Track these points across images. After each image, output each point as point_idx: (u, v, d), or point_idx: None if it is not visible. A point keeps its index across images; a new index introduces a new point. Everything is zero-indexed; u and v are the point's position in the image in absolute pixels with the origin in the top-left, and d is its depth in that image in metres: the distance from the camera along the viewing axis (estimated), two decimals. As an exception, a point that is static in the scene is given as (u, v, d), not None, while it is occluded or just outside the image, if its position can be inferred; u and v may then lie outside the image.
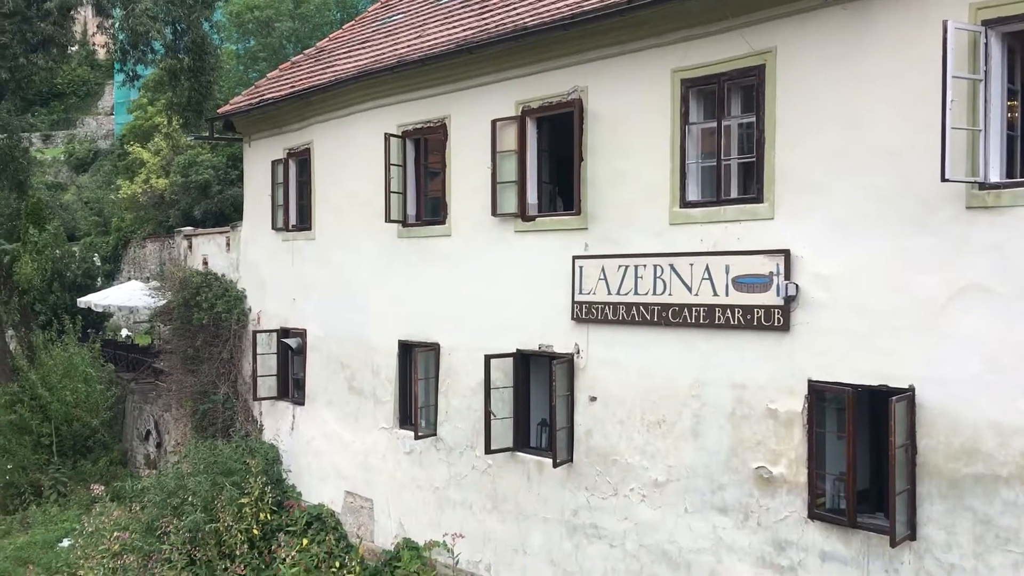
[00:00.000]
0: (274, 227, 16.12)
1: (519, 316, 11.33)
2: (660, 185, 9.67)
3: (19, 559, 16.83)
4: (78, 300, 27.08)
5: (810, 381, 8.47)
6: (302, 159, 15.49)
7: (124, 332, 28.86)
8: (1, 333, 23.08)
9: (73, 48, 28.27)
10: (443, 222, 12.57)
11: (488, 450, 11.31)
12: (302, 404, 15.53)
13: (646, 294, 9.79)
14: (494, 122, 11.34)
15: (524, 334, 11.26)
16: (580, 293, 10.49)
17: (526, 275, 11.25)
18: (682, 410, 9.52)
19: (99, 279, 31.97)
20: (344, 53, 15.10)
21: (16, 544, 17.74)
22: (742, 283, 8.94)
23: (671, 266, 9.56)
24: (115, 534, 15.21)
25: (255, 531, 14.28)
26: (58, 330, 22.91)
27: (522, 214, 11.26)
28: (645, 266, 9.80)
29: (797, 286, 8.53)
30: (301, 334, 15.58)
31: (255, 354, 16.08)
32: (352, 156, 14.11)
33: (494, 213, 11.51)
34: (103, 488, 17.59)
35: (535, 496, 11.13)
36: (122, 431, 22.84)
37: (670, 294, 9.57)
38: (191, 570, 14.03)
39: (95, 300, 26.25)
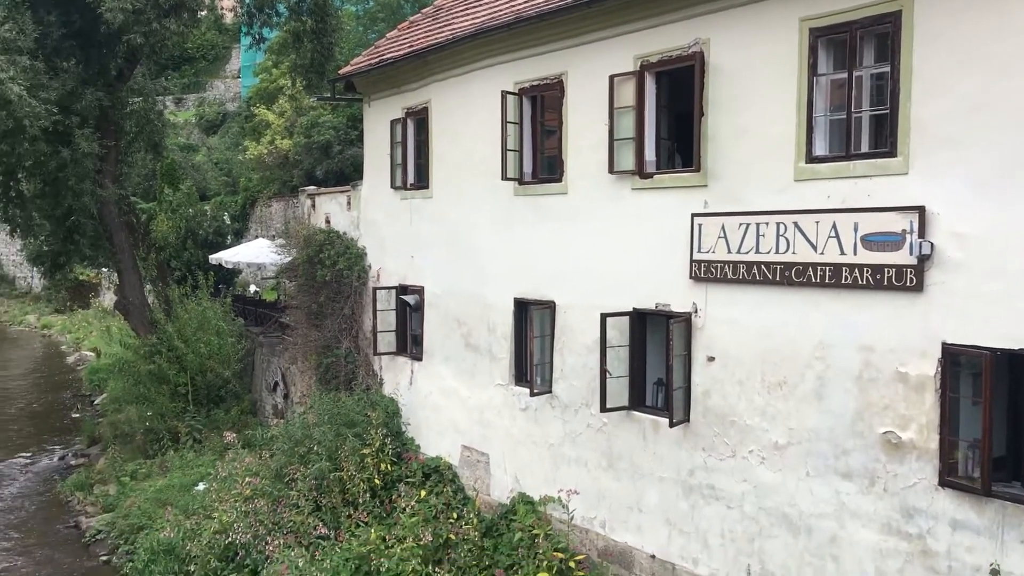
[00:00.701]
0: (392, 186, 16.41)
1: (635, 275, 11.22)
2: (785, 140, 9.34)
3: (159, 501, 17.91)
4: (210, 257, 28.34)
5: (944, 344, 8.08)
6: (420, 118, 15.66)
7: (252, 288, 30.05)
8: (140, 288, 24.35)
9: (202, 13, 29.21)
10: (559, 180, 12.50)
11: (603, 408, 11.32)
12: (420, 360, 15.87)
13: (768, 252, 9.52)
14: (612, 78, 11.16)
15: (640, 293, 11.15)
16: (699, 251, 10.29)
17: (643, 233, 11.11)
18: (805, 372, 9.27)
19: (229, 237, 33.35)
20: (461, 11, 15.11)
21: (156, 487, 18.86)
22: (872, 241, 8.57)
23: (795, 224, 9.25)
24: (246, 479, 16.06)
25: (376, 481, 14.78)
26: (192, 285, 24.04)
27: (640, 171, 11.09)
28: (767, 224, 9.52)
29: (932, 245, 8.11)
30: (419, 291, 15.88)
31: (375, 310, 16.51)
32: (469, 114, 14.18)
33: (611, 171, 11.38)
34: (235, 436, 18.53)
35: (651, 455, 11.09)
36: (251, 382, 23.89)
37: (794, 252, 9.27)
38: (317, 515, 14.67)
39: (225, 257, 27.42)
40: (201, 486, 17.84)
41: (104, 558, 17.54)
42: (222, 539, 14.94)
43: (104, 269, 34.01)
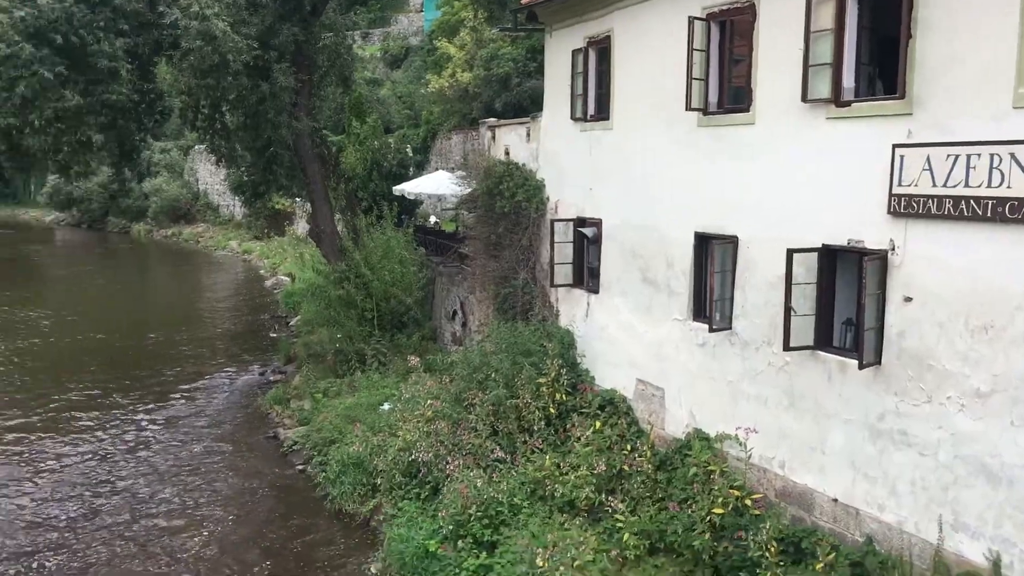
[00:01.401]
0: (572, 117, 16.31)
1: (826, 209, 10.69)
2: (1003, 64, 8.54)
3: (348, 417, 19.00)
4: (393, 188, 29.33)
5: None
6: (602, 47, 15.41)
7: (432, 219, 30.90)
8: (331, 217, 25.58)
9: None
10: (747, 109, 12.02)
11: (787, 347, 10.97)
12: (596, 292, 15.90)
13: (979, 186, 8.81)
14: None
15: (831, 228, 10.63)
16: (899, 185, 9.65)
17: (836, 165, 10.53)
18: (1015, 315, 8.59)
19: (411, 169, 34.34)
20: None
21: (345, 404, 19.99)
22: (1103, 175, 7.76)
23: (1011, 155, 8.49)
24: (428, 402, 16.76)
25: (551, 410, 15.06)
26: (377, 215, 25.01)
27: (836, 99, 10.48)
28: (979, 155, 8.79)
29: None
30: (597, 224, 15.83)
31: (552, 242, 16.61)
32: (653, 43, 13.81)
33: (804, 99, 10.80)
34: (418, 360, 19.31)
35: (836, 396, 10.69)
36: (432, 310, 24.76)
37: (1009, 186, 8.53)
38: (493, 439, 15.16)
39: (408, 188, 28.31)
40: (386, 406, 18.75)
41: (300, 467, 18.88)
42: (406, 456, 15.73)
43: (298, 199, 35.85)
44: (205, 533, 15.65)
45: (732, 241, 12.27)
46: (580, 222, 16.28)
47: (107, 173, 38.14)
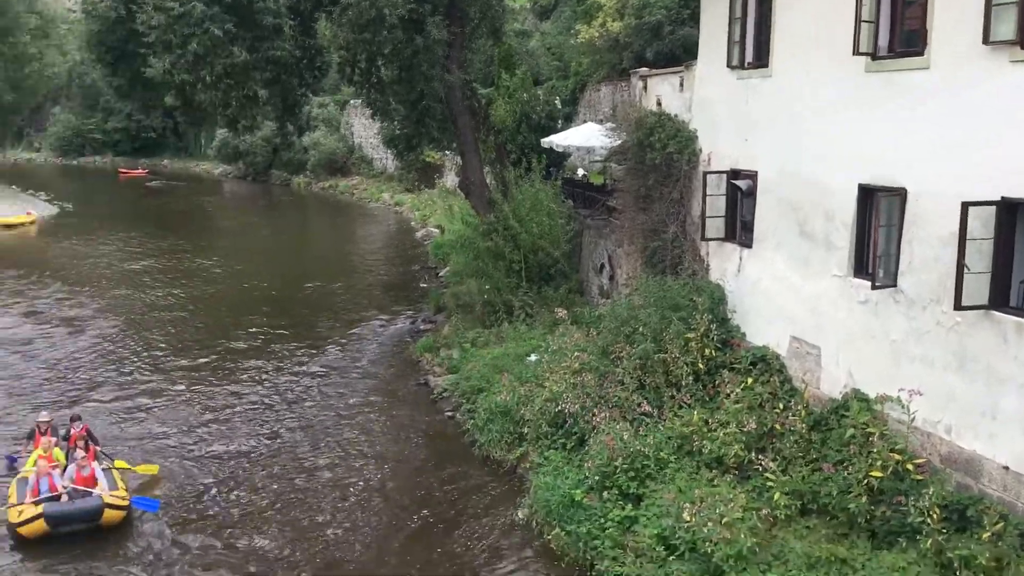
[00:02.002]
0: (729, 65, 15.76)
1: (1007, 160, 9.95)
2: None
3: (495, 367, 19.34)
4: (541, 140, 29.34)
5: None
6: (762, -9, 14.77)
7: (580, 171, 30.76)
8: (480, 169, 25.87)
9: None
10: (920, 53, 11.28)
11: (958, 306, 10.36)
12: (749, 246, 15.46)
13: None
14: (996, -71, 9.71)
15: (1012, 180, 9.90)
16: (1094, 132, 8.86)
17: (1019, 112, 9.75)
18: None
19: (559, 121, 34.23)
20: None
21: (493, 354, 20.36)
22: None
23: None
24: (575, 354, 16.84)
25: (700, 365, 14.84)
26: (525, 168, 25.10)
27: (1021, 41, 9.68)
28: None
29: None
30: (752, 176, 15.33)
31: (704, 195, 16.23)
32: (818, -17, 13.12)
33: (985, 41, 10.05)
34: (566, 312, 19.40)
35: (1011, 359, 10.03)
36: (579, 263, 24.76)
37: None
38: (640, 393, 15.10)
39: (556, 140, 28.24)
40: (533, 357, 18.98)
41: (449, 414, 19.43)
42: (552, 407, 15.91)
43: (448, 152, 36.48)
44: (363, 479, 16.24)
45: (900, 193, 11.62)
46: (734, 174, 15.82)
47: (271, 127, 39.93)
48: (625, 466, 13.43)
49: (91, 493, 13.92)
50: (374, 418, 19.34)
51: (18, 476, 14.94)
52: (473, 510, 15.09)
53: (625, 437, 13.80)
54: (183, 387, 20.84)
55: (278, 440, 17.93)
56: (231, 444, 17.55)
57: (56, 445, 15.49)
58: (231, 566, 13.03)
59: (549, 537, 13.65)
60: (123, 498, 14.09)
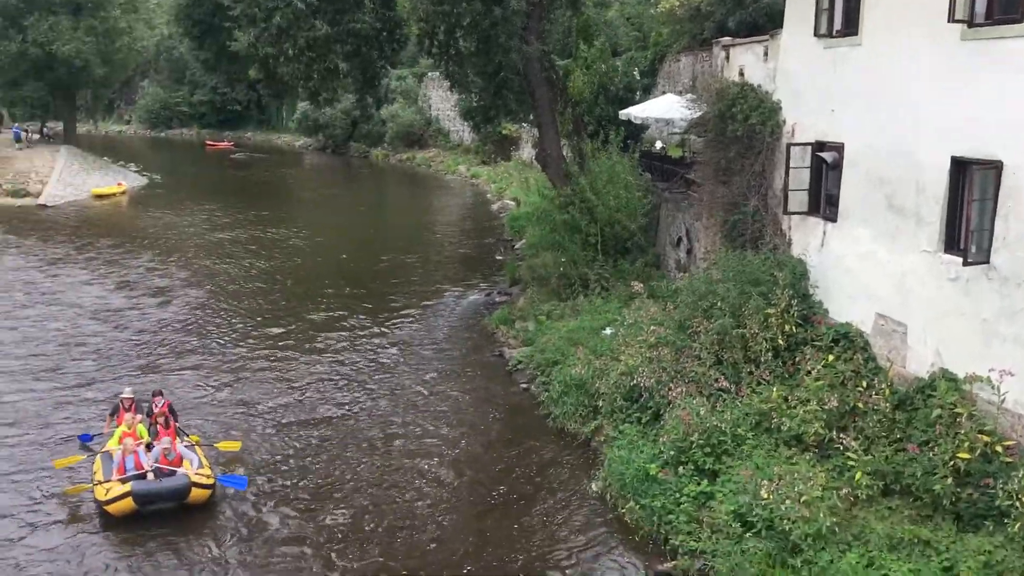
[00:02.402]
0: (816, 33, 15.30)
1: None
2: None
3: (570, 340, 19.35)
4: (619, 112, 29.00)
5: None
6: (852, -44, 14.26)
7: (658, 144, 30.32)
8: (557, 141, 25.73)
9: None
10: (1020, 20, 10.81)
11: (1055, 284, 9.94)
12: (834, 221, 15.07)
13: None
14: None
15: (1120, 152, 9.41)
16: None
17: None
18: None
19: (637, 93, 33.76)
20: None
21: (568, 327, 20.35)
22: None
23: None
24: (651, 328, 16.73)
25: (780, 341, 14.58)
26: (603, 140, 24.86)
27: None
28: None
29: None
30: (838, 148, 14.91)
31: (788, 167, 15.85)
32: (912, -53, 12.61)
33: (1094, 4, 9.52)
34: (642, 286, 19.25)
35: (1113, 342, 9.60)
36: (656, 236, 24.52)
37: None
38: (718, 368, 14.94)
39: (634, 112, 27.87)
40: (608, 330, 18.91)
41: (523, 386, 19.53)
42: (627, 380, 15.86)
43: (524, 124, 36.34)
44: (439, 452, 16.39)
45: (995, 166, 11.16)
46: (819, 146, 15.40)
47: (350, 100, 40.43)
48: (701, 442, 13.33)
49: (177, 472, 14.03)
50: (449, 390, 19.54)
51: (102, 451, 15.07)
52: (547, 482, 15.17)
53: (701, 412, 13.68)
54: (264, 359, 21.24)
55: (356, 413, 18.13)
56: (310, 417, 17.78)
57: (139, 421, 15.61)
58: (312, 541, 13.19)
59: (623, 510, 13.67)
60: (208, 476, 14.14)
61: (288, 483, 15.06)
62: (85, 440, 16.09)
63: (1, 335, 22.37)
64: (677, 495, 12.93)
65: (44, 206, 42.39)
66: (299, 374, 20.23)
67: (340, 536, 13.36)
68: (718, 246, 18.08)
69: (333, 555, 12.80)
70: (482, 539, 13.31)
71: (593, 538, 13.35)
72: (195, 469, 14.21)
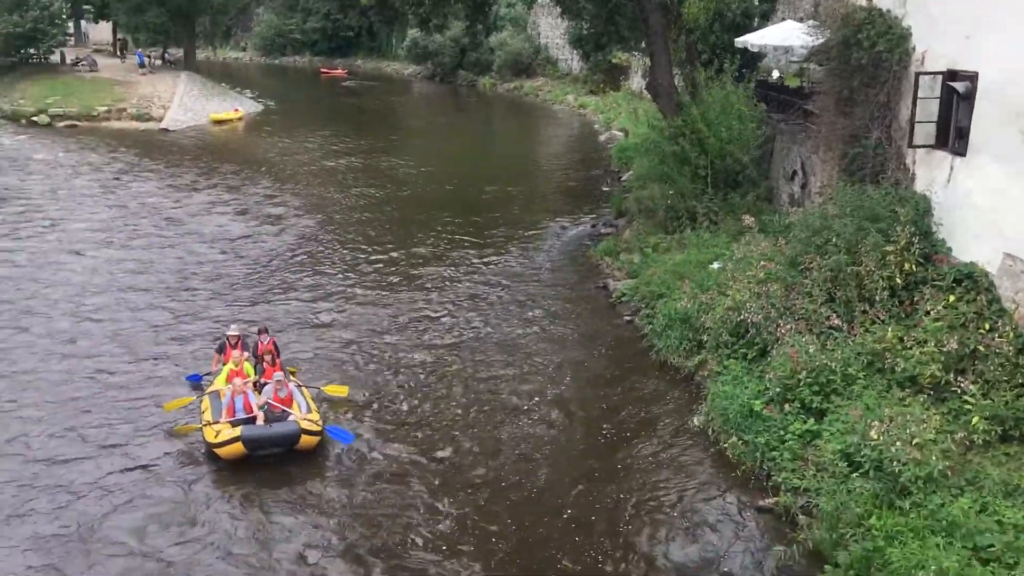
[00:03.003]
0: (954, -47, 14.34)
1: None
2: None
3: (676, 273, 19.10)
4: (735, 40, 27.96)
5: None
6: None
7: (775, 73, 29.17)
8: (669, 70, 25.05)
9: None
10: None
11: None
12: (963, 155, 14.28)
13: None
14: None
15: None
16: None
17: None
18: None
19: (755, 19, 32.45)
20: None
21: (674, 260, 20.08)
22: None
23: None
24: (761, 263, 16.36)
25: (897, 280, 14.04)
26: (717, 69, 24.07)
27: None
28: None
29: None
30: (971, 77, 14.03)
31: (915, 98, 15.04)
32: None
33: None
34: (753, 220, 18.77)
35: None
36: (769, 169, 23.79)
37: None
38: (830, 306, 14.53)
39: (751, 40, 26.83)
40: (716, 264, 18.58)
41: (627, 318, 19.46)
42: (734, 316, 15.60)
43: (635, 52, 35.52)
44: (541, 384, 16.45)
45: None
46: (950, 75, 14.53)
47: (460, 27, 40.21)
48: (809, 380, 13.08)
49: (287, 416, 13.85)
50: (553, 322, 19.61)
51: (209, 390, 15.01)
52: (649, 416, 15.19)
53: (811, 350, 13.39)
54: (369, 292, 21.24)
55: (459, 348, 18.10)
56: (413, 352, 17.74)
57: (246, 359, 15.42)
58: (417, 482, 13.05)
59: (725, 446, 13.61)
60: (317, 422, 13.88)
61: (392, 420, 14.98)
62: (194, 380, 16.08)
63: (123, 262, 23.06)
64: (782, 432, 12.78)
65: (166, 130, 43.97)
66: (404, 307, 20.27)
67: (445, 476, 13.28)
68: (835, 180, 17.42)
69: (439, 496, 12.75)
70: (587, 476, 13.31)
71: (694, 473, 13.34)
72: (304, 413, 14.00)
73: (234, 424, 13.57)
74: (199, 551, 11.44)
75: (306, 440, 13.55)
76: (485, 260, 24.01)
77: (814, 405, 12.90)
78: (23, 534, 11.67)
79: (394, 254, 24.41)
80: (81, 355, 17.28)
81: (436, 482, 13.14)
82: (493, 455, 13.96)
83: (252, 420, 13.73)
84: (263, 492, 12.87)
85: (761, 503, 12.26)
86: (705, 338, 16.21)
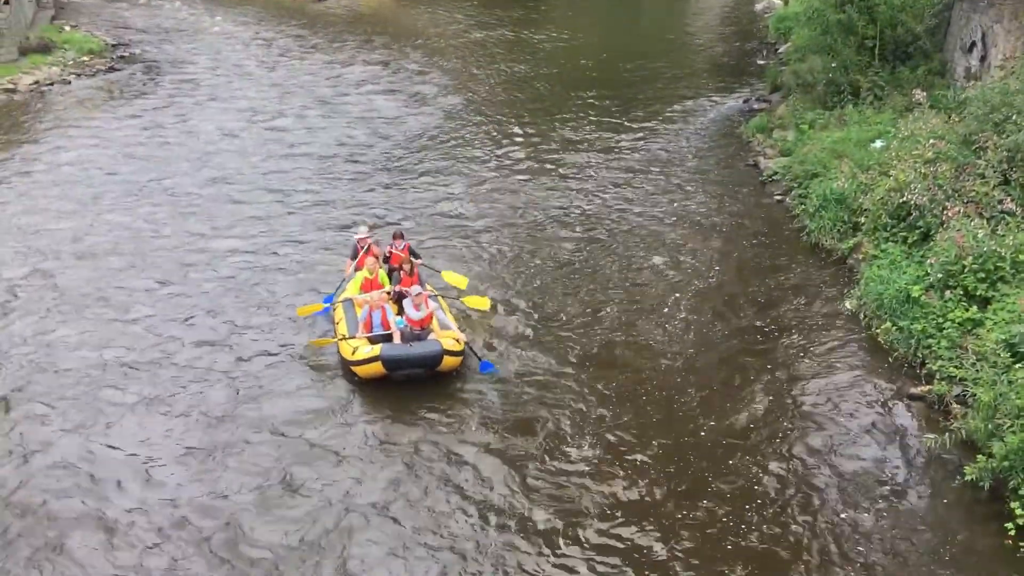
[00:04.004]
0: None
1: None
2: None
3: (834, 152, 18.20)
4: None
5: None
6: None
7: (958, -67, 26.60)
8: (838, -70, 23.20)
9: None
10: None
11: None
12: None
13: None
14: None
15: None
16: None
17: None
18: None
19: None
20: None
21: (832, 138, 19.08)
22: None
23: None
24: (930, 141, 15.42)
25: (1083, 162, 12.96)
26: (891, -72, 22.11)
27: None
28: None
29: None
30: None
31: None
32: None
33: None
34: (924, 95, 17.55)
35: None
36: (944, 40, 21.95)
37: None
38: (1004, 189, 13.71)
39: None
40: (878, 143, 17.60)
41: (777, 198, 18.85)
42: (896, 197, 14.84)
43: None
44: (687, 261, 16.35)
45: None
46: None
47: None
48: (975, 266, 12.41)
49: (427, 333, 13.05)
50: (700, 201, 19.20)
51: (342, 297, 14.29)
52: (797, 298, 14.92)
53: (979, 235, 12.65)
54: (509, 179, 20.65)
55: (602, 229, 17.80)
56: (554, 241, 17.36)
57: (380, 266, 14.54)
58: (557, 386, 12.77)
59: (877, 331, 13.27)
60: (459, 340, 13.00)
61: (531, 315, 14.63)
62: (328, 302, 14.86)
63: (270, 144, 23.01)
64: (940, 320, 12.28)
65: (319, 0, 44.23)
66: (543, 192, 19.75)
67: (589, 374, 12.96)
68: (1019, 53, 15.99)
69: (586, 402, 12.39)
70: (732, 361, 13.28)
71: (843, 358, 13.12)
72: (444, 329, 13.17)
73: (372, 340, 12.90)
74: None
75: (448, 361, 12.78)
76: (631, 135, 23.39)
77: (978, 293, 12.27)
78: (171, 416, 12.17)
79: (538, 133, 23.81)
80: (220, 235, 17.68)
81: (578, 385, 12.74)
82: (643, 350, 13.67)
83: (390, 337, 12.97)
84: (396, 407, 12.45)
85: (913, 391, 11.98)
86: (862, 220, 15.58)
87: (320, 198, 19.68)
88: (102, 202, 19.26)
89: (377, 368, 12.56)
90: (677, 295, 15.28)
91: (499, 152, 22.72)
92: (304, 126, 24.65)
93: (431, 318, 13.16)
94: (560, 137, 23.69)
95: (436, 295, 14.05)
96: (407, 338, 12.91)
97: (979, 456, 10.17)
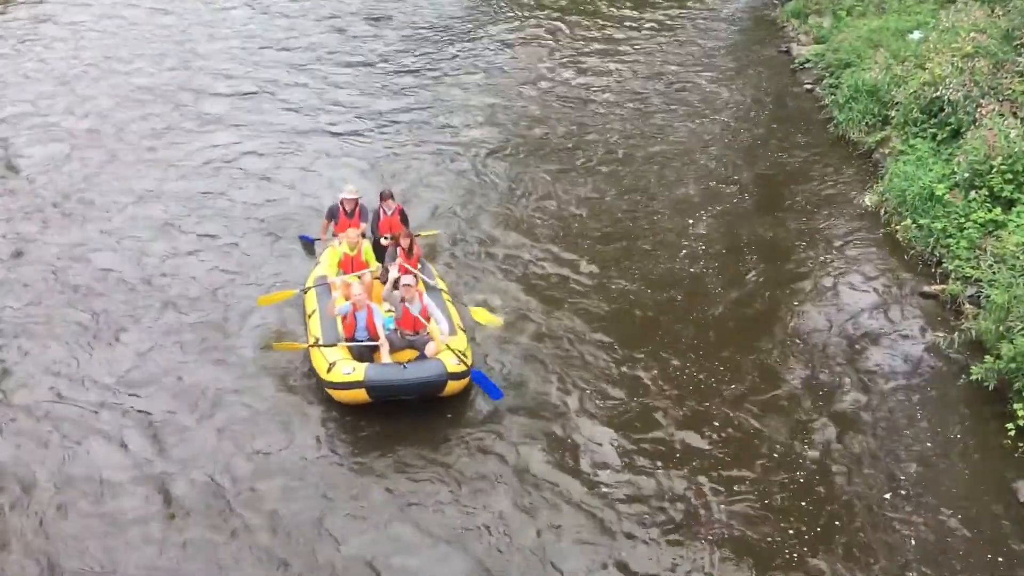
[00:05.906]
0: None
1: None
2: None
3: (870, 41, 17.57)
4: None
5: None
6: None
7: None
8: None
9: None
10: None
11: None
12: None
13: None
14: None
15: None
16: None
17: None
18: None
19: None
20: None
21: (870, 26, 18.36)
22: None
23: None
24: (971, 35, 14.90)
25: None
26: None
27: None
28: None
29: None
30: None
31: None
32: None
33: None
34: (968, -15, 16.81)
35: None
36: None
37: None
38: (1042, 88, 13.20)
39: None
40: (916, 34, 16.96)
41: (808, 87, 18.35)
42: (929, 91, 14.40)
43: None
44: (713, 149, 16.13)
45: None
46: None
47: None
48: (1004, 167, 12.12)
49: (425, 342, 10.21)
50: (727, 85, 18.67)
51: (315, 275, 11.54)
52: (819, 189, 14.76)
53: (1011, 135, 12.31)
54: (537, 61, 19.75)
55: (624, 118, 17.24)
56: (578, 99, 17.34)
57: (365, 238, 11.69)
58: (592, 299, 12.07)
59: (897, 228, 13.11)
60: (465, 356, 10.09)
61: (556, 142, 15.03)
62: (306, 240, 12.78)
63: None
64: (962, 220, 12.10)
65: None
66: (573, 71, 19.17)
67: (615, 276, 12.55)
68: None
69: (604, 316, 11.77)
70: (751, 245, 13.27)
71: (859, 251, 13.03)
72: (445, 335, 10.25)
73: (353, 351, 10.11)
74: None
75: (452, 387, 9.97)
76: (659, 16, 22.49)
77: (1004, 194, 12.03)
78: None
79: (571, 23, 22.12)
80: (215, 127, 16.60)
81: (608, 291, 12.27)
82: (661, 243, 13.41)
83: (375, 348, 10.20)
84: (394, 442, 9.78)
85: (926, 288, 11.93)
86: (892, 114, 15.18)
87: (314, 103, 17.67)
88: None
89: (360, 395, 9.82)
90: (695, 181, 15.20)
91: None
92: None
93: (425, 315, 10.34)
94: (592, 10, 22.79)
95: (437, 288, 11.28)
96: (398, 346, 10.31)
97: (987, 357, 10.19)
